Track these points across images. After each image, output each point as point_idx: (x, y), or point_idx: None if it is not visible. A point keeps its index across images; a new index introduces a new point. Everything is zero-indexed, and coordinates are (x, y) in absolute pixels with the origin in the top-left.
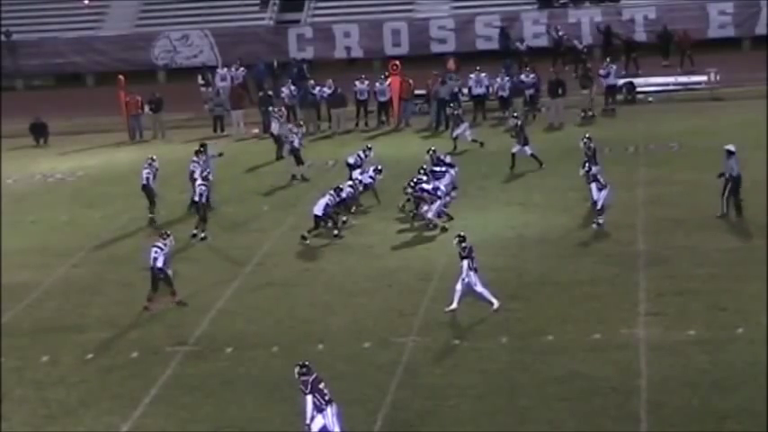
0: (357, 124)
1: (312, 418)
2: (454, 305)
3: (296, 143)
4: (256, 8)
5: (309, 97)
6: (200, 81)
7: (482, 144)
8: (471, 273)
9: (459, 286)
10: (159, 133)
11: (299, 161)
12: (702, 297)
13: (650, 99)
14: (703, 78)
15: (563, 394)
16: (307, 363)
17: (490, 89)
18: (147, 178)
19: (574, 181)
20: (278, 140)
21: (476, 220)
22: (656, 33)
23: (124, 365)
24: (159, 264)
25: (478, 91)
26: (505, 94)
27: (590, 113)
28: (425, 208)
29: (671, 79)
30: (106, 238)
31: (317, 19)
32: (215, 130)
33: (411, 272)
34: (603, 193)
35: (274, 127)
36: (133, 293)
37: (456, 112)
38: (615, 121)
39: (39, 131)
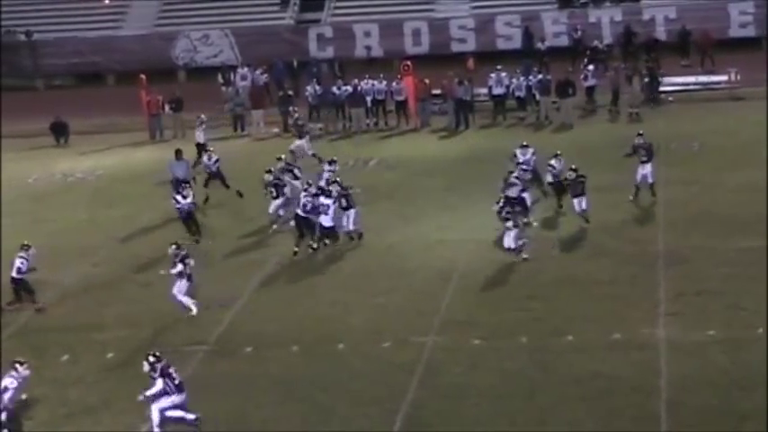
0: (376, 123)
1: (156, 397)
2: None
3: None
4: (276, 7)
5: (330, 96)
6: (221, 80)
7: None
8: None
9: None
10: (179, 133)
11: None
12: (722, 297)
13: (670, 99)
14: (724, 78)
15: (583, 394)
16: (157, 353)
17: (510, 89)
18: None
19: (590, 181)
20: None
21: (494, 219)
22: (676, 33)
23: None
24: (14, 274)
25: (498, 91)
26: (522, 94)
27: (635, 111)
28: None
29: (691, 79)
30: (126, 237)
31: (337, 18)
32: (235, 130)
33: (430, 271)
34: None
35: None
36: (152, 292)
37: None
38: (636, 120)
39: (59, 131)
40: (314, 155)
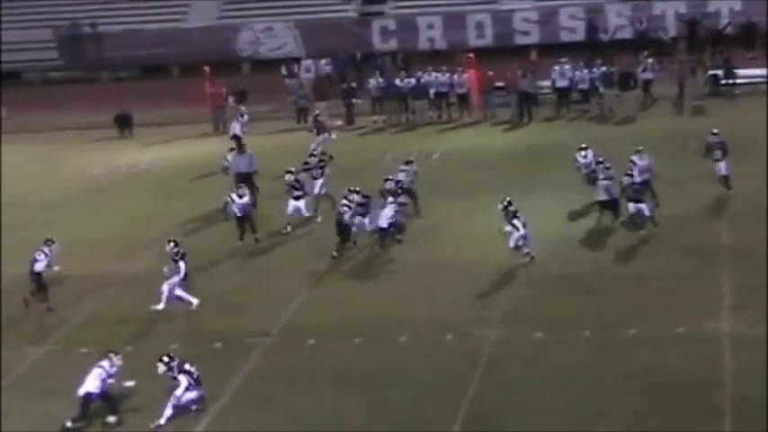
0: (439, 116)
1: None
2: None
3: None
4: (340, 0)
5: (393, 89)
6: (284, 72)
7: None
8: None
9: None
10: None
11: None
12: None
13: (736, 91)
14: None
15: (644, 388)
16: (169, 354)
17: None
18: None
19: (658, 175)
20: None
21: (556, 212)
22: (741, 25)
23: (206, 356)
24: (37, 268)
25: (562, 84)
26: (585, 86)
27: (699, 104)
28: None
29: (757, 71)
30: (189, 228)
31: (400, 11)
32: (298, 122)
33: (493, 264)
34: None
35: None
36: (216, 284)
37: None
38: (700, 113)
39: (123, 123)
40: (313, 153)
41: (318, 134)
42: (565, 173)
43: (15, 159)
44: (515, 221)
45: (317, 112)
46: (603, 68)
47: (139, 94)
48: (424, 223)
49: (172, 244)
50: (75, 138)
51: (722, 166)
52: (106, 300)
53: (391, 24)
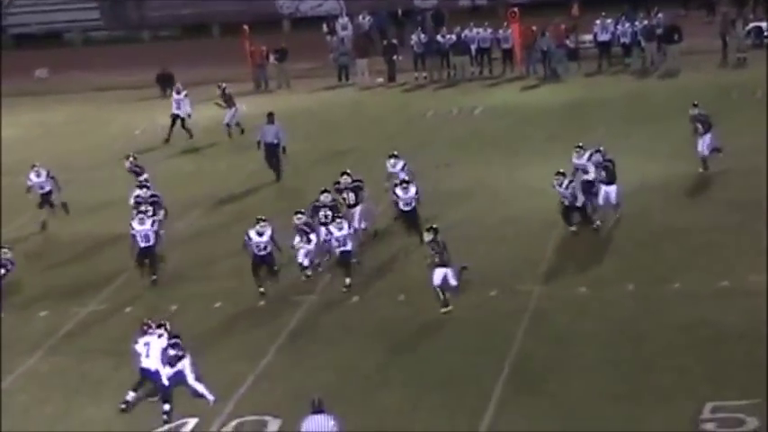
0: (481, 72)
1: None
2: None
3: None
4: None
5: (435, 45)
6: (325, 30)
7: None
8: None
9: None
10: (284, 83)
11: None
12: None
13: None
14: None
15: (689, 342)
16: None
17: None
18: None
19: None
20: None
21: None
22: None
23: (251, 314)
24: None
25: (604, 38)
26: (627, 40)
27: (743, 56)
28: None
29: None
30: (231, 189)
31: None
32: (339, 79)
33: (536, 220)
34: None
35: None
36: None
37: None
38: (742, 66)
39: (165, 82)
40: (228, 125)
41: (229, 108)
42: (607, 129)
43: (58, 120)
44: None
45: (224, 85)
46: (645, 22)
47: (180, 54)
48: (465, 180)
49: (299, 215)
50: (116, 98)
51: (705, 142)
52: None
53: None
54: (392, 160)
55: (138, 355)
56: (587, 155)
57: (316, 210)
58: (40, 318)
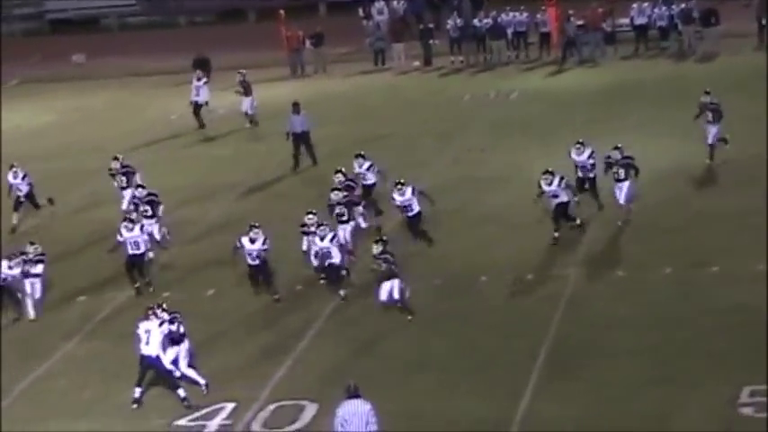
0: (517, 56)
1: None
2: None
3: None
4: None
5: (471, 29)
6: (361, 14)
7: None
8: None
9: None
10: (320, 68)
11: None
12: None
13: None
14: None
15: (727, 326)
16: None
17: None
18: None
19: (740, 112)
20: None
21: (638, 151)
22: None
23: (288, 299)
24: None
25: (640, 21)
26: (664, 23)
27: None
28: None
29: None
30: (267, 173)
31: None
32: (375, 64)
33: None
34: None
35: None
36: (293, 227)
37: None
38: None
39: (201, 67)
40: (248, 115)
41: (246, 95)
42: (644, 113)
43: (95, 105)
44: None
45: (244, 71)
46: (683, 5)
47: (216, 39)
48: (501, 165)
49: (311, 216)
50: (153, 83)
51: (713, 132)
52: (186, 245)
53: None
54: (359, 160)
55: (139, 340)
56: (588, 152)
57: (331, 208)
58: (77, 303)
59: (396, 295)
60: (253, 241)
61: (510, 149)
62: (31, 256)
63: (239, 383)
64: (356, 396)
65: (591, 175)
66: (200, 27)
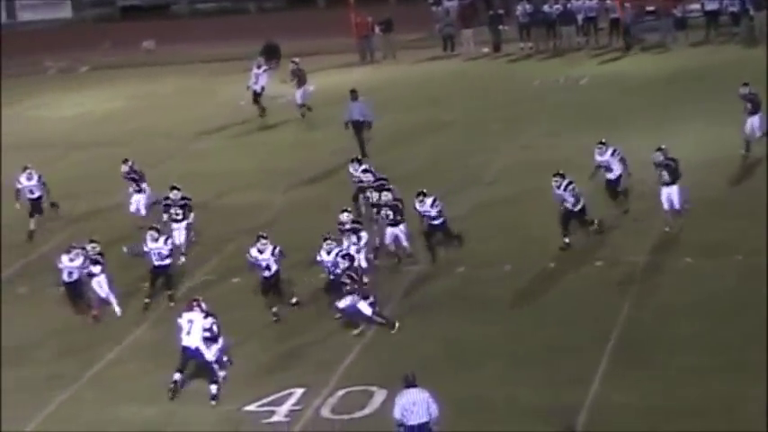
0: (587, 42)
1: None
2: None
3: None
4: None
5: (540, 15)
6: (431, 1)
7: None
8: None
9: None
10: (389, 54)
11: None
12: None
13: None
14: None
15: None
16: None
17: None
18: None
19: None
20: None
21: (705, 139)
22: None
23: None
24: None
25: (711, 7)
26: (736, 9)
27: None
28: None
29: None
30: (335, 158)
31: None
32: (445, 50)
33: (642, 190)
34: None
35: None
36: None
37: None
38: None
39: (271, 53)
40: (300, 105)
41: (299, 85)
42: (713, 99)
43: (164, 91)
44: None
45: (297, 60)
46: None
47: (286, 25)
48: (571, 150)
49: (347, 213)
50: (222, 69)
51: (753, 122)
52: (256, 229)
53: None
54: (354, 164)
55: (181, 330)
56: (610, 151)
57: (377, 209)
58: (146, 288)
59: (366, 311)
60: (261, 251)
61: (579, 135)
62: (90, 253)
63: (308, 369)
64: (414, 385)
65: (613, 175)
66: (269, 13)
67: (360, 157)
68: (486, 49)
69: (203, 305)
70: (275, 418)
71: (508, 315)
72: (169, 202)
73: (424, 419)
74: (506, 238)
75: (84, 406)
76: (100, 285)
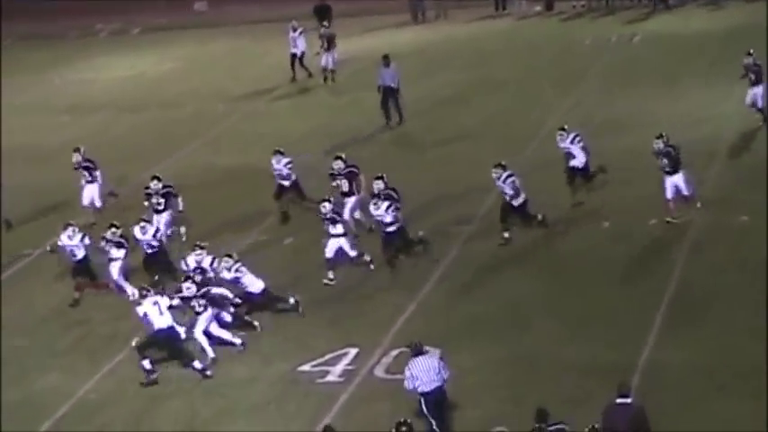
0: (639, 0)
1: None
2: None
3: None
4: None
5: None
6: None
7: None
8: None
9: None
10: (441, 14)
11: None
12: None
13: None
14: None
15: None
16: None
17: None
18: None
19: None
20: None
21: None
22: None
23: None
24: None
25: None
26: None
27: None
28: None
29: None
30: (381, 119)
31: None
32: (496, 9)
33: (695, 149)
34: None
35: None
36: (418, 174)
37: None
38: None
39: (322, 14)
40: (326, 69)
41: (328, 49)
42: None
43: (216, 52)
44: None
45: (326, 24)
46: None
47: None
48: (624, 109)
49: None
50: (273, 30)
51: (756, 93)
52: (310, 189)
53: None
54: (277, 156)
55: (146, 318)
56: (570, 138)
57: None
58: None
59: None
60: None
61: (633, 93)
62: (110, 237)
63: (362, 329)
64: (422, 352)
65: (578, 162)
66: None
67: (339, 155)
68: (538, 8)
69: (152, 289)
70: (329, 378)
71: (562, 275)
72: (150, 191)
73: (438, 384)
74: (557, 198)
75: (132, 363)
76: (116, 270)
